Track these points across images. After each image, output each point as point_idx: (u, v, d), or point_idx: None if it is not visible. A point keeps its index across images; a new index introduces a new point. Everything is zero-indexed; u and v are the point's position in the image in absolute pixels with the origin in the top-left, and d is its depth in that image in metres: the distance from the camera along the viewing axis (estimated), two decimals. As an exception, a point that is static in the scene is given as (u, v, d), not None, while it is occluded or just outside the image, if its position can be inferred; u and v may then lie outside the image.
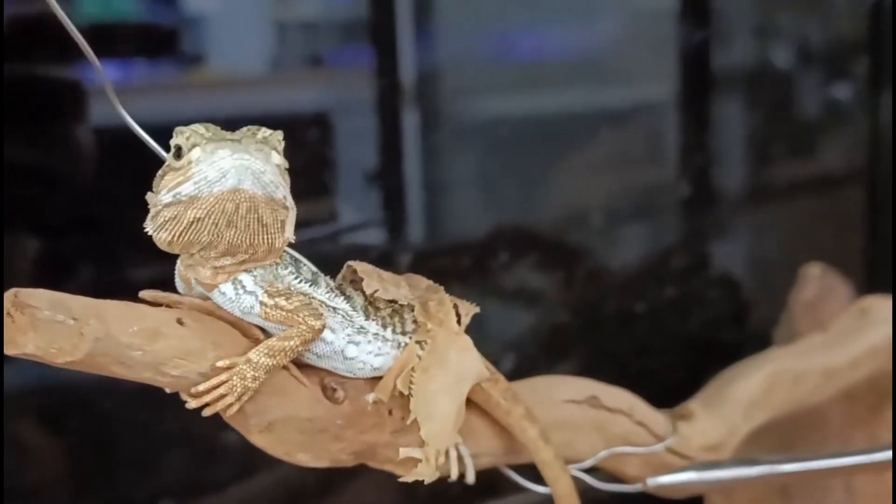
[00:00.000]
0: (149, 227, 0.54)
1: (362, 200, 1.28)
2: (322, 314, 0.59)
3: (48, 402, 1.07)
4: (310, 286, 0.60)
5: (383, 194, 1.30)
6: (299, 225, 1.16)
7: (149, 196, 0.55)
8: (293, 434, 0.60)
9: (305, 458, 0.62)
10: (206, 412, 0.57)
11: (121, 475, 1.13)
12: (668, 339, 1.52)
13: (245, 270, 0.57)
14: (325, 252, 1.24)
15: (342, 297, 0.62)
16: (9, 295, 0.51)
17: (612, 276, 1.48)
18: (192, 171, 0.52)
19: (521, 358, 1.37)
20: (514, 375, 1.26)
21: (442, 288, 0.67)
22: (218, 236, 0.54)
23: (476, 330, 1.37)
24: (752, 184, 1.64)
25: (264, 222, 0.54)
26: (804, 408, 1.03)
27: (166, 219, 0.53)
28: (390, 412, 0.65)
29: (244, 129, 0.55)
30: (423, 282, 0.67)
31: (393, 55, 1.26)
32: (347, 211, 1.28)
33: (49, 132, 1.00)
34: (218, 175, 0.52)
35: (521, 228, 1.40)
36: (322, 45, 1.27)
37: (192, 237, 0.54)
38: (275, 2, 1.20)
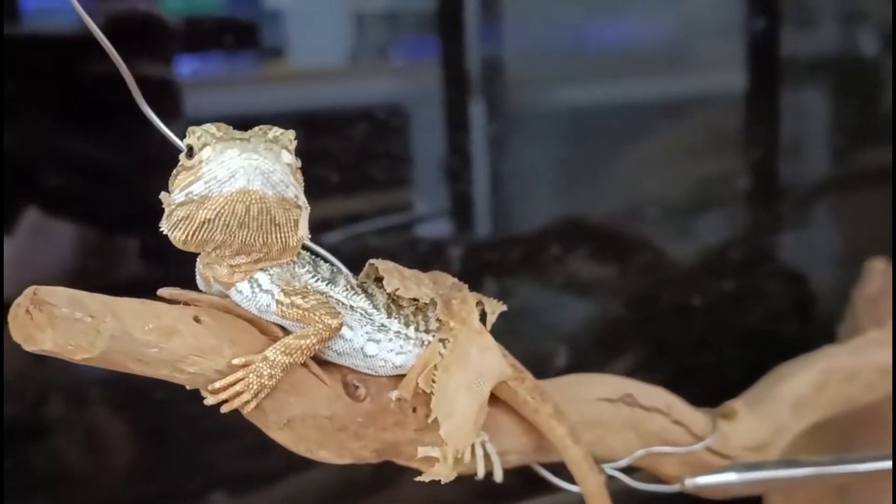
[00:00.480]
0: (164, 226, 0.55)
1: (431, 192, 1.28)
2: (339, 312, 0.59)
3: (106, 393, 1.09)
4: (327, 285, 0.60)
5: (449, 185, 1.30)
6: (374, 216, 1.17)
7: (163, 195, 0.55)
8: (312, 431, 0.61)
9: (326, 455, 0.62)
10: (224, 408, 0.58)
11: (174, 466, 1.15)
12: (728, 334, 1.49)
13: (261, 269, 0.57)
14: (379, 245, 1.25)
15: (362, 295, 0.62)
16: (27, 292, 0.52)
17: (672, 268, 1.46)
18: (203, 171, 0.53)
19: (575, 352, 1.36)
20: (567, 370, 1.25)
21: (466, 286, 0.66)
22: (231, 236, 0.54)
23: (530, 323, 1.36)
24: (821, 175, 1.60)
25: (277, 222, 0.54)
26: (858, 406, 1.00)
27: (179, 218, 0.54)
28: (414, 410, 0.65)
29: (256, 128, 0.55)
30: (448, 279, 0.66)
31: (461, 46, 1.26)
32: (420, 202, 1.28)
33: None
34: (227, 175, 0.52)
35: (580, 220, 1.39)
36: (397, 36, 1.28)
37: (204, 236, 0.54)
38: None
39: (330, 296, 0.60)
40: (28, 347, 0.53)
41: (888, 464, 0.80)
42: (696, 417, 0.81)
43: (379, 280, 0.64)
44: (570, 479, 0.74)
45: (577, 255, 1.39)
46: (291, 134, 0.55)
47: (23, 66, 0.97)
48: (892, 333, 0.97)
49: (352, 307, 0.61)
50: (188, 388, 0.59)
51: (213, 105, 1.09)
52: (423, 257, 1.23)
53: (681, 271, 1.49)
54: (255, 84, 1.13)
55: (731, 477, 0.78)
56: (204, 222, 0.53)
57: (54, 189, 1.01)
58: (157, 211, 0.56)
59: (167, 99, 1.02)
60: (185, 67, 1.08)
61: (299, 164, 0.56)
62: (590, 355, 1.39)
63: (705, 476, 0.79)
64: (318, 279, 0.60)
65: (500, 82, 1.32)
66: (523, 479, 0.77)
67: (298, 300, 0.57)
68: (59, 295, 0.53)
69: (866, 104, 1.58)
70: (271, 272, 0.58)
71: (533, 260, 1.35)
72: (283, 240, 0.55)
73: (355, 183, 1.18)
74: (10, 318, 0.53)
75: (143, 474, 1.14)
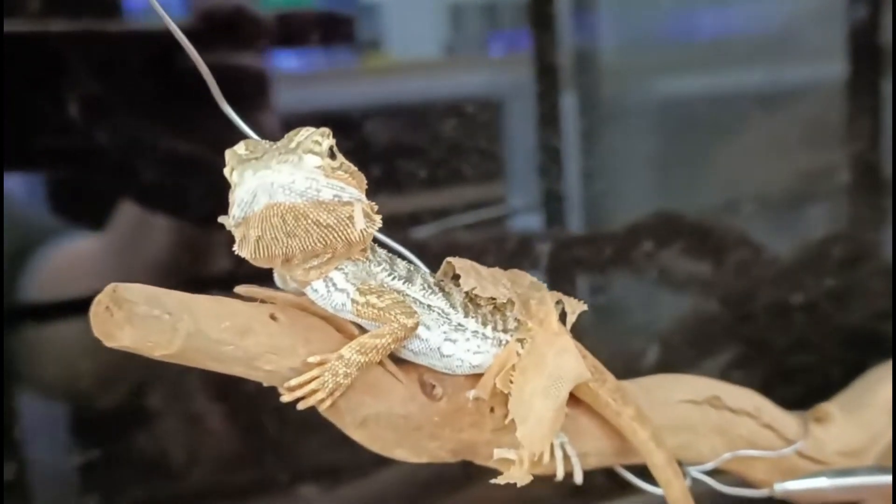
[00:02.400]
0: (235, 247, 0.56)
1: (525, 185, 1.27)
2: (415, 312, 0.58)
3: (196, 382, 1.11)
4: (403, 283, 0.60)
5: (542, 179, 1.29)
6: (470, 207, 1.17)
7: (222, 219, 0.56)
8: (387, 431, 0.60)
9: (403, 454, 0.62)
10: (300, 406, 0.58)
11: (264, 457, 1.17)
12: (826, 333, 1.44)
13: (336, 268, 0.57)
14: (468, 240, 1.25)
15: (439, 294, 0.61)
16: (108, 290, 0.53)
17: (770, 265, 1.42)
18: (235, 195, 0.53)
19: (667, 350, 1.33)
20: (657, 368, 1.22)
21: (545, 285, 0.65)
22: (288, 247, 0.54)
23: (621, 320, 1.34)
24: None
25: (324, 224, 0.54)
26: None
27: (239, 239, 0.55)
28: (492, 410, 0.64)
29: (290, 132, 0.55)
30: (527, 278, 0.65)
31: (553, 38, 1.25)
32: (515, 195, 1.27)
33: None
34: (249, 196, 0.53)
35: (675, 215, 1.36)
36: (493, 28, 1.27)
37: (265, 252, 0.54)
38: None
39: (406, 294, 0.59)
40: (108, 344, 0.54)
41: None
42: (787, 421, 0.78)
43: (456, 278, 0.63)
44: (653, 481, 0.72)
45: (672, 250, 1.36)
46: (318, 135, 0.54)
47: (122, 62, 0.99)
48: (892, 333, 0.92)
49: (429, 306, 0.60)
50: (265, 385, 0.59)
51: (312, 99, 1.10)
52: (513, 253, 1.22)
53: (780, 268, 1.45)
54: (353, 77, 1.14)
55: (822, 482, 0.75)
56: (257, 240, 0.54)
57: (149, 185, 1.04)
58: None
59: (259, 92, 1.03)
60: (283, 62, 1.09)
61: (338, 161, 0.55)
62: (681, 354, 1.36)
63: (795, 481, 0.76)
64: (394, 277, 0.59)
65: (594, 74, 1.30)
66: (611, 479, 0.75)
67: (374, 299, 0.57)
68: (138, 292, 0.53)
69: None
70: (346, 271, 0.58)
71: (625, 256, 1.33)
72: (343, 237, 0.55)
73: (446, 177, 1.18)
74: (92, 314, 0.54)
75: (234, 465, 1.16)
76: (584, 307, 0.66)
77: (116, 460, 1.07)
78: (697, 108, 1.35)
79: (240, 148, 0.54)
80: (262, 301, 0.58)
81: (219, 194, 1.03)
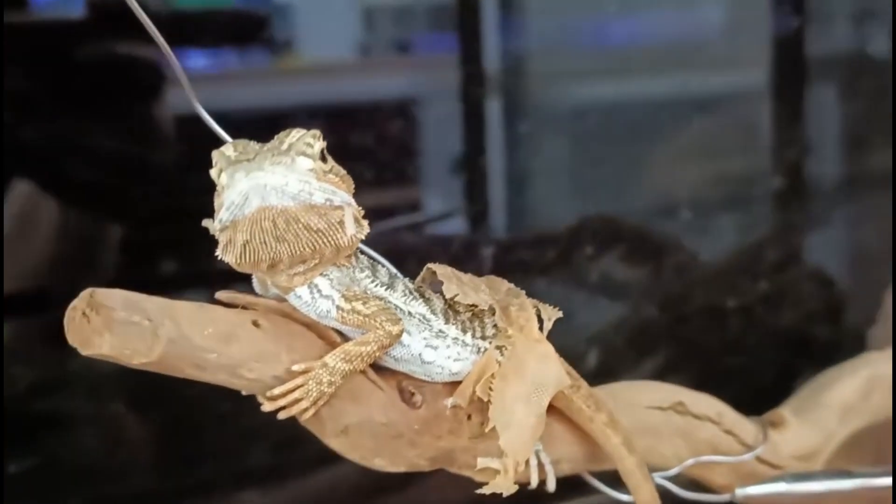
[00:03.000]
0: (218, 252, 0.54)
1: (447, 189, 1.27)
2: (400, 319, 0.57)
3: (135, 387, 1.08)
4: (386, 290, 0.59)
5: (467, 184, 1.28)
6: (384, 215, 1.15)
7: (206, 222, 0.54)
8: (368, 439, 0.59)
9: (382, 463, 0.61)
10: (281, 415, 0.56)
11: (205, 462, 1.14)
12: (759, 336, 1.47)
13: (321, 274, 0.56)
14: (410, 243, 1.24)
15: (420, 301, 0.60)
16: (84, 295, 0.51)
17: (700, 269, 1.44)
18: (224, 197, 0.52)
19: (606, 353, 1.35)
20: (599, 371, 1.23)
21: (523, 292, 0.65)
22: (276, 252, 0.53)
23: (560, 324, 1.35)
24: (846, 175, 1.58)
25: (315, 228, 0.53)
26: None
27: (224, 243, 0.53)
28: (469, 417, 0.64)
29: (280, 133, 0.53)
30: (504, 284, 0.65)
31: (478, 42, 1.24)
32: (433, 200, 1.26)
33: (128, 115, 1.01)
34: (241, 198, 0.51)
35: (606, 219, 1.37)
36: (410, 31, 1.26)
37: (252, 258, 0.53)
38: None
39: (389, 301, 0.58)
40: (85, 352, 0.51)
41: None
42: (746, 426, 0.80)
43: (435, 284, 0.63)
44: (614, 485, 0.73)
45: (611, 255, 1.37)
46: (310, 137, 0.53)
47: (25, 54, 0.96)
48: (892, 334, 0.95)
49: (410, 313, 0.59)
50: (244, 393, 0.57)
51: (227, 99, 1.07)
52: (456, 256, 1.21)
53: (712, 272, 1.48)
54: (266, 78, 1.12)
55: (782, 487, 0.77)
56: (244, 244, 0.53)
57: (45, 172, 1.01)
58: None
59: (152, 84, 1.01)
60: (196, 61, 1.07)
61: (329, 164, 0.54)
62: (620, 357, 1.37)
63: (756, 486, 0.77)
64: (377, 284, 0.58)
65: (519, 78, 1.30)
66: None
67: (359, 306, 0.56)
68: (116, 297, 0.51)
69: (884, 102, 1.56)
70: (331, 277, 0.56)
71: (567, 259, 1.34)
72: (333, 241, 0.54)
73: (368, 179, 1.17)
74: (67, 321, 0.51)
75: (171, 469, 1.13)
76: (560, 314, 0.66)
77: (50, 468, 1.04)
78: (622, 113, 1.37)
79: (228, 149, 0.52)
80: (244, 307, 0.57)
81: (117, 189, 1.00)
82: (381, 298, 0.58)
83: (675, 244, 1.42)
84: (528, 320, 0.63)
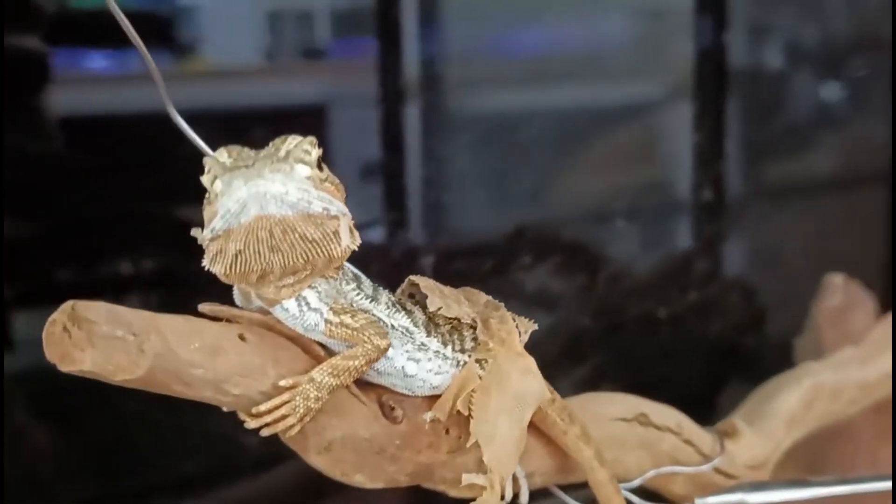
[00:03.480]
0: (205, 262, 0.52)
1: (361, 197, 1.25)
2: (387, 332, 0.56)
3: (45, 390, 1.04)
4: (371, 302, 0.57)
5: (385, 191, 1.27)
6: None
7: (195, 231, 0.52)
8: (350, 454, 0.58)
9: (362, 479, 0.60)
10: (265, 432, 0.55)
11: (117, 468, 1.11)
12: (687, 345, 1.50)
13: (309, 286, 0.54)
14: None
15: (403, 313, 0.59)
16: (65, 308, 0.49)
17: (632, 279, 1.46)
18: (218, 205, 0.50)
19: (540, 362, 1.35)
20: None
21: (502, 304, 0.64)
22: (268, 262, 0.51)
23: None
24: (758, 186, 1.62)
25: (310, 238, 0.51)
26: (838, 422, 1.02)
27: (214, 253, 0.51)
28: (447, 431, 0.63)
29: (275, 140, 0.52)
30: (482, 297, 0.64)
31: (396, 48, 1.24)
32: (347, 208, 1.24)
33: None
34: (238, 206, 0.50)
35: (542, 230, 1.38)
36: (323, 36, 1.25)
37: (243, 268, 0.51)
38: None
39: (374, 314, 0.57)
40: (64, 368, 0.49)
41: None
42: (703, 436, 0.81)
43: (413, 296, 0.62)
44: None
45: (547, 264, 1.38)
46: (307, 144, 0.52)
47: None
48: (892, 336, 0.98)
49: (394, 325, 0.58)
50: (225, 410, 0.55)
51: (131, 101, 1.05)
52: (396, 265, 1.20)
53: (639, 282, 1.50)
54: (171, 81, 1.10)
55: (740, 497, 0.78)
56: (236, 254, 0.51)
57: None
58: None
59: (36, 77, 0.99)
60: (96, 62, 1.04)
61: (325, 173, 0.53)
62: (555, 364, 1.38)
63: (715, 496, 0.78)
64: (362, 296, 0.57)
65: (436, 85, 1.30)
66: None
67: (348, 319, 0.55)
68: (100, 311, 0.49)
69: (777, 116, 1.61)
70: (319, 289, 0.55)
71: (498, 270, 1.34)
72: (326, 252, 0.52)
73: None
74: (46, 335, 0.49)
75: (86, 476, 1.10)
76: (535, 326, 0.66)
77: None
78: (538, 123, 1.38)
79: (222, 155, 0.50)
80: (228, 320, 0.55)
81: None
82: (367, 311, 0.57)
83: (607, 255, 1.44)
84: (509, 333, 0.62)
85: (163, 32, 1.08)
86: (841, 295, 1.23)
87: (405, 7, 1.23)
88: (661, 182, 1.57)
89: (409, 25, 1.24)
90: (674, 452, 0.78)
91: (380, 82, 1.23)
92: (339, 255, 0.53)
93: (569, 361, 1.40)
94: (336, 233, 0.52)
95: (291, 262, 0.51)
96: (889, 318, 1.11)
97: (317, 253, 0.51)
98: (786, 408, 0.93)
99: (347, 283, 0.57)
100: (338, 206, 0.52)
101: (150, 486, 1.13)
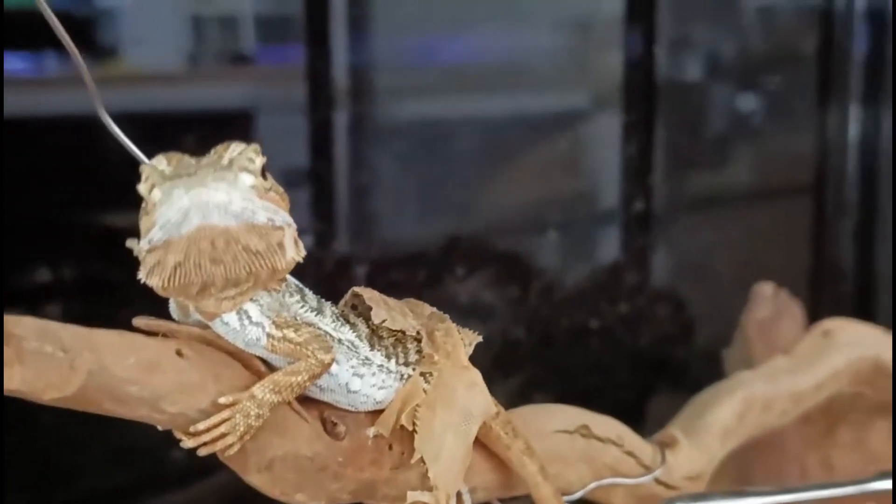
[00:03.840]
0: (141, 275, 0.49)
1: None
2: (331, 347, 0.55)
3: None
4: (316, 315, 0.56)
5: (313, 199, 1.26)
6: None
7: (130, 243, 0.50)
8: (292, 473, 0.56)
9: (302, 499, 0.58)
10: (203, 452, 0.52)
11: (42, 483, 1.07)
12: (617, 356, 1.51)
13: (251, 299, 0.52)
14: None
15: (347, 326, 0.58)
16: None
17: (548, 290, 1.47)
18: (157, 215, 0.48)
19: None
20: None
21: (447, 316, 0.63)
22: (209, 275, 0.49)
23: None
24: (685, 197, 1.65)
25: (254, 250, 0.49)
26: (769, 432, 1.02)
27: (152, 265, 0.49)
28: (390, 447, 0.61)
29: (216, 147, 0.50)
30: (427, 308, 0.63)
31: (324, 55, 1.23)
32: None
33: None
34: (179, 216, 0.48)
35: (476, 241, 1.38)
36: (248, 41, 1.23)
37: (182, 280, 0.49)
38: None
39: (319, 327, 0.55)
40: (-10, 386, 0.46)
41: (836, 491, 0.82)
42: (644, 448, 0.81)
43: (356, 308, 0.60)
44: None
45: (475, 275, 1.38)
46: (251, 152, 0.50)
47: None
48: (892, 338, 0.99)
49: (340, 340, 0.56)
50: (161, 429, 0.53)
51: (46, 104, 1.02)
52: (330, 275, 1.19)
53: (570, 294, 1.51)
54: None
55: (681, 509, 0.78)
56: (176, 266, 0.49)
57: None
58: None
59: None
60: (15, 64, 1.02)
61: (269, 181, 0.51)
62: (487, 376, 1.37)
63: (656, 508, 0.78)
64: (307, 309, 0.55)
65: (364, 93, 1.29)
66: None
67: (291, 333, 0.53)
68: (28, 326, 0.46)
69: (703, 127, 1.64)
70: (261, 302, 0.53)
71: (432, 281, 1.33)
72: (270, 264, 0.50)
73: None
74: None
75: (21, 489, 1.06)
76: (479, 338, 0.64)
77: None
78: (469, 131, 1.38)
79: (161, 163, 0.48)
80: (164, 335, 0.52)
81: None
82: (312, 325, 0.55)
83: (539, 266, 1.44)
84: (454, 346, 0.61)
85: (81, 35, 1.05)
86: (770, 304, 1.24)
87: (334, 14, 1.22)
88: (589, 193, 1.58)
89: (338, 33, 1.23)
90: (615, 464, 0.77)
91: (308, 89, 1.21)
92: (284, 267, 0.51)
93: (501, 372, 1.40)
94: (280, 244, 0.50)
95: (234, 275, 0.49)
96: (816, 327, 1.13)
97: (260, 265, 0.50)
98: (720, 420, 0.93)
99: (291, 296, 0.55)
100: (282, 217, 0.50)
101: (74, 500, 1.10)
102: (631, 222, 1.55)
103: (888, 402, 1.09)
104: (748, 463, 1.09)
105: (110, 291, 1.08)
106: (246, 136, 1.16)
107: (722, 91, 1.62)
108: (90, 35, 1.07)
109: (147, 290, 0.50)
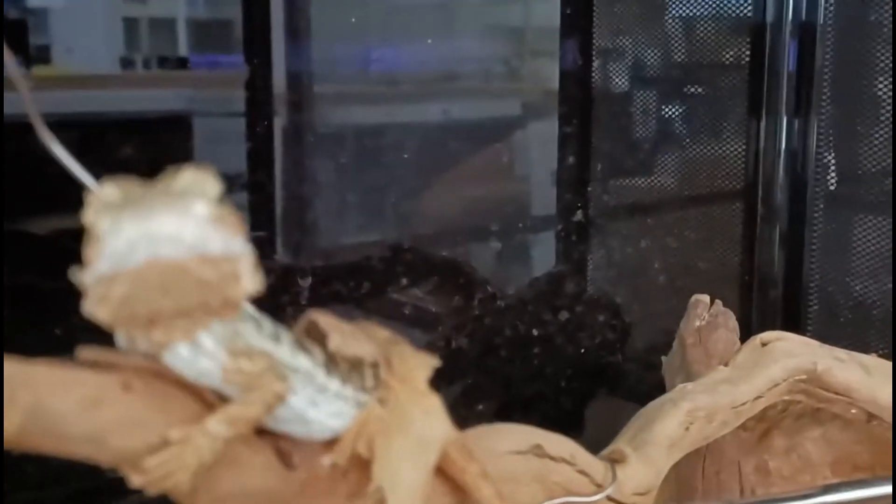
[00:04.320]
0: (87, 306, 0.46)
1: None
2: (286, 377, 0.52)
3: None
4: (273, 343, 0.53)
5: (249, 207, 1.24)
6: None
7: (72, 272, 0.47)
8: (244, 508, 0.54)
9: (255, 533, 0.55)
10: (152, 489, 0.49)
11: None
12: (556, 364, 1.51)
13: (202, 327, 0.50)
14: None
15: (303, 354, 0.55)
16: None
17: (505, 299, 1.47)
18: (103, 246, 0.45)
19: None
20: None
21: (403, 340, 0.61)
22: (159, 307, 0.46)
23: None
24: (621, 205, 1.66)
25: (205, 280, 0.47)
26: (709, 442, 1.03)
27: (97, 298, 0.46)
28: (344, 475, 0.59)
29: (168, 172, 0.47)
30: (381, 332, 0.61)
31: (262, 60, 1.21)
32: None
33: None
34: (127, 248, 0.45)
35: (418, 251, 1.37)
36: (184, 45, 1.21)
37: (129, 312, 0.46)
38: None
39: (275, 356, 0.53)
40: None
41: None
42: (595, 465, 0.80)
43: (310, 332, 0.58)
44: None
45: (418, 285, 1.37)
46: (205, 178, 0.48)
47: None
48: (893, 336, 1.00)
49: (297, 368, 0.54)
50: (105, 467, 0.50)
51: None
52: (275, 289, 1.16)
53: (511, 302, 1.51)
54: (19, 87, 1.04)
55: (632, 526, 0.77)
56: (122, 299, 0.46)
57: None
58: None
59: None
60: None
61: (224, 208, 0.49)
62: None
63: (607, 526, 0.77)
64: (263, 337, 0.53)
65: (302, 100, 1.28)
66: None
67: (245, 363, 0.50)
68: (-40, 361, 0.43)
69: (632, 136, 1.66)
70: (214, 330, 0.50)
71: (375, 291, 1.32)
72: (223, 296, 0.48)
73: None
74: None
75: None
76: (436, 363, 0.63)
77: None
78: (406, 139, 1.38)
79: (108, 190, 0.45)
80: (107, 367, 0.50)
81: None
82: (267, 354, 0.52)
83: (481, 276, 1.44)
84: (410, 371, 0.59)
85: (11, 36, 1.01)
86: (706, 314, 1.26)
87: (270, 19, 1.20)
88: (527, 200, 1.59)
89: (276, 38, 1.21)
90: (567, 483, 0.77)
91: (246, 95, 1.19)
92: (237, 296, 0.48)
93: (443, 382, 1.39)
94: (235, 273, 0.47)
95: (185, 306, 0.47)
96: (753, 339, 1.14)
97: (213, 295, 0.47)
98: (666, 432, 0.93)
99: (245, 322, 0.52)
100: (238, 245, 0.48)
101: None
102: (570, 230, 1.56)
103: (821, 409, 1.11)
104: (687, 469, 1.10)
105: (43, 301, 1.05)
106: (182, 141, 1.13)
107: (655, 100, 1.64)
108: (19, 37, 1.03)
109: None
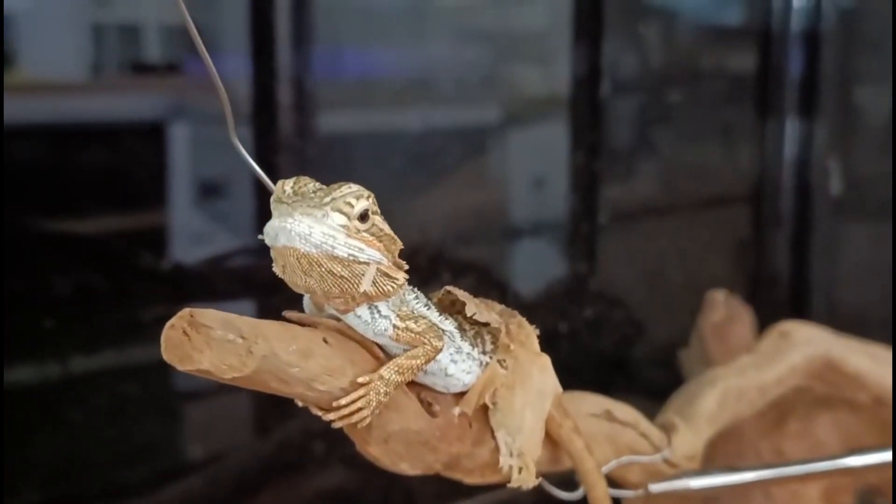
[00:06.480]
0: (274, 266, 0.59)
1: (194, 215, 1.23)
2: (442, 335, 0.64)
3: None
4: (428, 310, 0.65)
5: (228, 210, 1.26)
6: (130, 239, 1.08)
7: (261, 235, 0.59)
8: (402, 445, 0.66)
9: (406, 468, 0.67)
10: (340, 424, 0.61)
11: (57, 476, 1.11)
12: (581, 358, 1.60)
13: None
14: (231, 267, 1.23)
15: (449, 319, 0.68)
16: (183, 314, 0.55)
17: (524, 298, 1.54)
18: (267, 225, 0.58)
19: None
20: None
21: (517, 312, 0.73)
22: (307, 284, 0.59)
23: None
24: (633, 208, 1.72)
25: (337, 274, 0.58)
26: (739, 421, 1.15)
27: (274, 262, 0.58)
28: (470, 425, 0.71)
29: (335, 184, 0.59)
30: (497, 306, 0.73)
31: (235, 66, 1.21)
32: (187, 226, 1.22)
33: None
34: (272, 234, 0.57)
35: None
36: (155, 51, 1.20)
37: (290, 282, 0.59)
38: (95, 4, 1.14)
39: (431, 319, 0.65)
40: (182, 367, 0.55)
41: (820, 465, 0.95)
42: (654, 430, 0.92)
43: (442, 303, 0.70)
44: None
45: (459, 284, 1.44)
46: (353, 196, 0.58)
47: None
48: (892, 336, 1.11)
49: (444, 330, 0.66)
50: (300, 405, 0.62)
51: None
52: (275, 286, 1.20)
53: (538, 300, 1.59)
54: None
55: (688, 483, 0.89)
56: (280, 268, 0.59)
57: None
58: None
59: None
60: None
61: (368, 223, 0.59)
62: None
63: (665, 483, 0.89)
64: (421, 304, 0.65)
65: (277, 105, 1.26)
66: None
67: (412, 324, 0.63)
68: (213, 317, 0.55)
69: (642, 140, 1.73)
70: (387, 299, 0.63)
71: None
72: (350, 289, 0.59)
73: (99, 203, 1.13)
74: (164, 339, 0.54)
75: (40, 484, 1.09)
76: (537, 331, 0.75)
77: None
78: (386, 145, 1.41)
79: (287, 183, 0.58)
80: (310, 326, 0.62)
81: None
82: (425, 317, 0.65)
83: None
84: (528, 336, 0.72)
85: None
86: (723, 308, 1.37)
87: (243, 24, 1.20)
88: (533, 205, 1.63)
89: (247, 44, 1.20)
90: (633, 445, 0.89)
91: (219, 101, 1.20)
92: (359, 294, 0.60)
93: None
94: (359, 276, 0.59)
95: (326, 290, 0.59)
96: (774, 328, 1.25)
97: (347, 287, 0.59)
98: (706, 407, 1.05)
99: (409, 293, 0.65)
100: (370, 254, 0.59)
101: (90, 493, 1.13)
102: (584, 233, 1.62)
103: (833, 395, 1.22)
104: (712, 449, 1.21)
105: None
106: (157, 147, 1.15)
107: (664, 105, 1.70)
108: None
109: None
